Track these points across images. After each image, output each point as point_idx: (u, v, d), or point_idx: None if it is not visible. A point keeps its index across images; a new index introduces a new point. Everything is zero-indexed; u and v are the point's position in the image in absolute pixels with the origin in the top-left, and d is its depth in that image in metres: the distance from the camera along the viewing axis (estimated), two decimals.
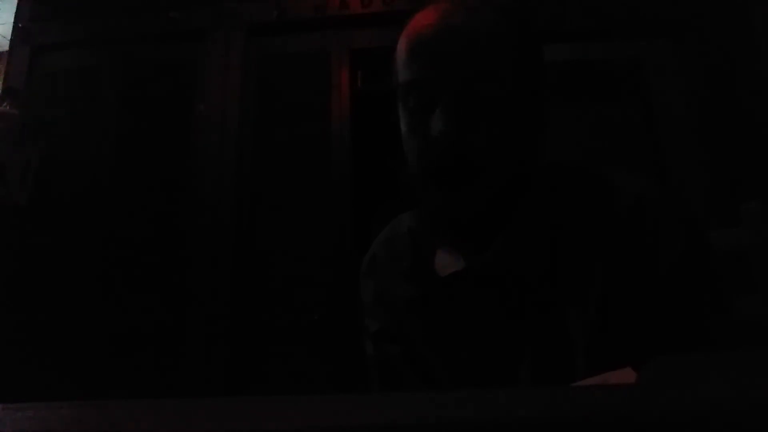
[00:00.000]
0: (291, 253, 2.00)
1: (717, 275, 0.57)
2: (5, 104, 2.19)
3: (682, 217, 0.58)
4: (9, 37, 2.36)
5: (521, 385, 0.57)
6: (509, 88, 0.58)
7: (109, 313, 1.98)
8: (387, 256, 0.73)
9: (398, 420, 0.21)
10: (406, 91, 0.61)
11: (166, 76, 2.25)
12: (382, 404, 0.23)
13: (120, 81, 2.26)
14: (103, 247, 2.07)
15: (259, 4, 2.23)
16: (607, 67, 2.09)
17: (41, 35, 2.33)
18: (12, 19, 2.38)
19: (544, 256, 0.59)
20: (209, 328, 1.91)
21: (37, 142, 2.17)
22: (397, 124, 0.64)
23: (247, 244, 2.02)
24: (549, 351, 0.57)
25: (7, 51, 2.37)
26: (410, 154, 0.61)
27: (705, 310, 0.54)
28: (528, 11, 0.66)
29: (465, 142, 0.56)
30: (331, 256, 1.96)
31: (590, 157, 1.92)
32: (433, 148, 0.57)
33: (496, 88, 0.57)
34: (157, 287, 2.00)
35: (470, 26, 0.59)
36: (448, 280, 0.63)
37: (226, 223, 2.02)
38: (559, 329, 0.56)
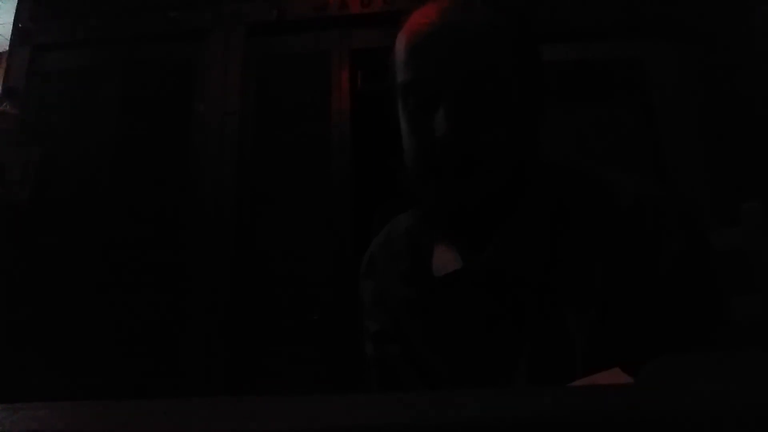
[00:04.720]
0: (291, 252, 2.00)
1: (717, 275, 0.57)
2: (5, 104, 2.19)
3: (682, 217, 0.57)
4: (9, 37, 2.36)
5: (520, 385, 0.57)
6: (510, 85, 0.58)
7: (110, 313, 1.98)
8: (385, 257, 0.73)
9: (398, 420, 0.21)
10: (408, 90, 0.60)
11: (166, 76, 2.25)
12: (382, 404, 0.23)
13: (120, 81, 2.25)
14: (104, 247, 2.07)
15: (259, 4, 2.23)
16: (607, 67, 2.09)
17: (41, 35, 2.33)
18: (12, 19, 2.38)
19: (543, 256, 0.59)
20: (209, 327, 1.91)
21: (37, 142, 2.17)
22: (397, 122, 0.64)
23: (247, 244, 2.02)
24: (548, 351, 0.57)
25: (7, 51, 2.37)
26: (412, 152, 0.61)
27: (705, 309, 0.54)
28: (526, 9, 0.66)
29: (469, 141, 0.56)
30: (331, 256, 1.96)
31: (590, 157, 1.92)
32: (437, 147, 0.57)
33: (497, 86, 0.57)
34: (157, 287, 2.00)
35: (471, 24, 0.59)
36: (446, 280, 0.63)
37: (226, 223, 2.02)
38: (558, 329, 0.56)
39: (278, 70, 2.20)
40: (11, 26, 2.37)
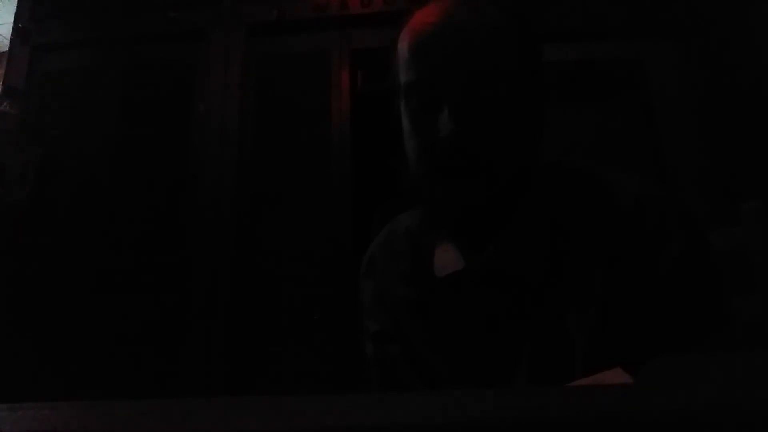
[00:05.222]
0: (291, 252, 2.00)
1: (717, 275, 0.57)
2: (5, 104, 2.19)
3: (682, 217, 0.57)
4: (9, 37, 2.36)
5: (520, 385, 0.57)
6: (513, 85, 0.58)
7: (110, 313, 1.98)
8: (385, 257, 0.73)
9: (398, 420, 0.21)
10: (410, 90, 0.60)
11: (166, 76, 2.25)
12: (382, 404, 0.23)
13: (120, 81, 2.26)
14: (103, 246, 2.07)
15: (259, 4, 2.23)
16: (607, 67, 2.09)
17: (41, 35, 2.33)
18: (12, 19, 2.39)
19: (544, 256, 0.59)
20: (209, 327, 1.91)
21: (37, 142, 2.17)
22: (398, 123, 0.64)
23: (247, 244, 2.02)
24: (548, 351, 0.57)
25: (7, 51, 2.37)
26: (414, 153, 0.61)
27: (705, 310, 0.54)
28: (527, 8, 0.66)
29: (472, 141, 0.56)
30: (331, 256, 1.96)
31: (590, 157, 1.92)
32: (440, 148, 0.57)
33: (501, 86, 0.57)
34: (157, 287, 2.00)
35: (473, 24, 0.58)
36: (447, 280, 0.63)
37: (226, 223, 2.02)
38: (559, 329, 0.56)
39: (278, 70, 2.20)
40: (11, 26, 2.37)
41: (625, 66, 2.07)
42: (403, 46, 0.62)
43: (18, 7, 2.41)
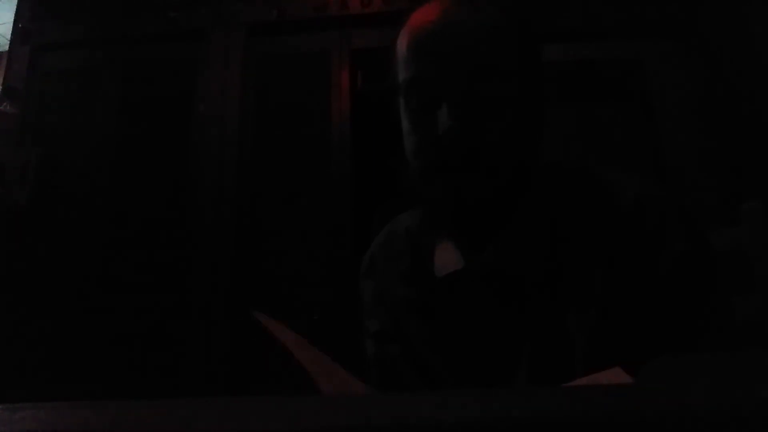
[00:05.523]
0: (291, 252, 2.00)
1: (717, 275, 0.57)
2: (5, 104, 2.19)
3: (682, 217, 0.57)
4: (9, 37, 2.36)
5: (520, 385, 0.57)
6: (512, 82, 0.58)
7: (110, 314, 1.98)
8: (385, 257, 0.74)
9: (398, 420, 0.21)
10: (410, 88, 0.60)
11: (166, 76, 2.25)
12: (382, 404, 0.23)
13: (120, 81, 2.25)
14: (103, 247, 2.07)
15: (259, 4, 2.23)
16: (607, 67, 2.09)
17: (41, 35, 2.33)
18: (12, 19, 2.39)
19: (544, 256, 0.59)
20: (209, 327, 1.91)
21: (37, 142, 2.16)
22: (398, 121, 0.64)
23: (247, 244, 2.02)
24: (548, 351, 0.57)
25: (7, 51, 2.37)
26: (414, 150, 0.61)
27: (705, 310, 0.54)
28: (526, 8, 0.66)
29: (472, 139, 0.56)
30: (331, 256, 1.96)
31: (590, 157, 1.92)
32: (440, 145, 0.57)
33: (500, 83, 0.58)
34: (156, 287, 2.00)
35: (473, 22, 0.59)
36: (447, 280, 0.63)
37: (226, 223, 2.02)
38: (559, 329, 0.56)
39: (278, 70, 2.20)
40: (11, 26, 2.37)
41: (625, 66, 2.07)
42: (402, 44, 0.62)
43: (18, 7, 2.41)
